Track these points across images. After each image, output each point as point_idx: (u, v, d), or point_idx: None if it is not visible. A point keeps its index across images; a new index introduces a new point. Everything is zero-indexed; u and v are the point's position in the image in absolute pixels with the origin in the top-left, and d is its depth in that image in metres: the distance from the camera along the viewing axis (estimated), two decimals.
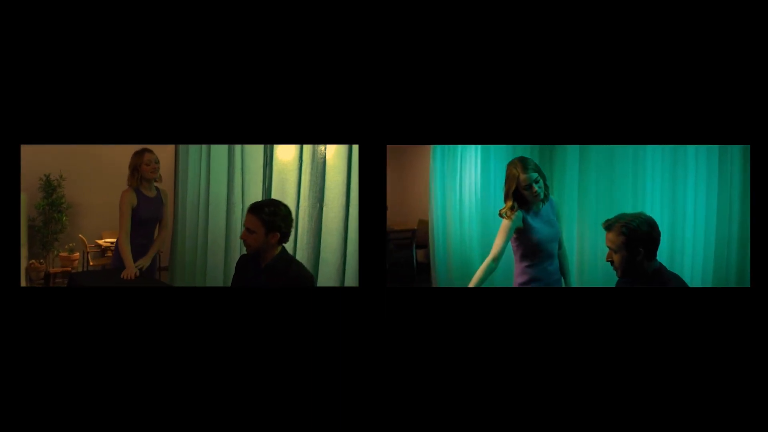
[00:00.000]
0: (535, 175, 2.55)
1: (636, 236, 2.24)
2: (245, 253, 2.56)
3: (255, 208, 2.48)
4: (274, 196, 3.65)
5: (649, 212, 3.11)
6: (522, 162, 2.56)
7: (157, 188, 3.40)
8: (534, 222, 2.57)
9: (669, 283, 2.30)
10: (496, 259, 2.53)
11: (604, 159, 3.34)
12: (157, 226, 3.44)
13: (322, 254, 3.48)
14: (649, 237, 2.26)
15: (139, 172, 3.29)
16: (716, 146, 3.13)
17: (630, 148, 3.28)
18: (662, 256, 2.91)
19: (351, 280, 3.37)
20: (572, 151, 3.39)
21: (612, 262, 2.30)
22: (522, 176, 2.53)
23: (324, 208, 3.47)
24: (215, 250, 3.89)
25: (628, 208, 3.29)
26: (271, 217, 2.45)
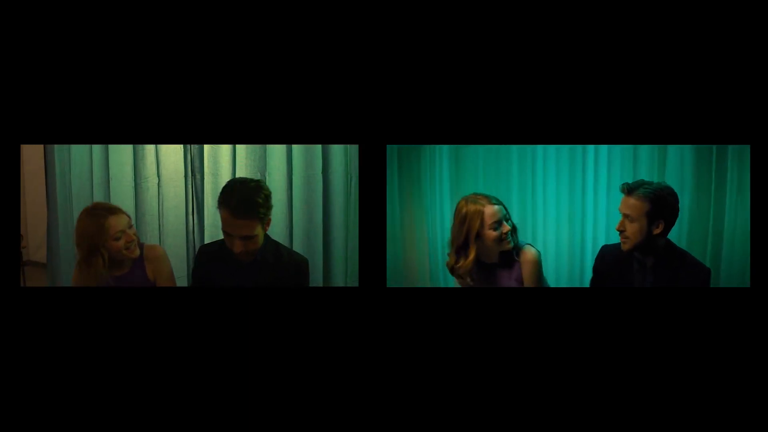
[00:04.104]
0: (504, 210, 2.00)
1: (661, 204, 1.97)
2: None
3: (246, 207, 1.99)
4: (207, 165, 2.98)
5: (540, 215, 2.86)
6: (481, 195, 2.04)
7: (139, 250, 2.13)
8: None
9: (686, 258, 2.10)
10: None
11: (484, 159, 3.00)
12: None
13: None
14: (674, 209, 2.01)
15: (104, 254, 1.92)
16: (618, 146, 2.84)
17: (515, 148, 2.93)
18: (561, 260, 2.66)
19: None
20: (443, 150, 3.02)
21: (623, 231, 2.05)
22: (488, 209, 1.96)
23: (267, 177, 3.00)
24: None
25: (513, 211, 2.88)
26: (266, 210, 2.04)
